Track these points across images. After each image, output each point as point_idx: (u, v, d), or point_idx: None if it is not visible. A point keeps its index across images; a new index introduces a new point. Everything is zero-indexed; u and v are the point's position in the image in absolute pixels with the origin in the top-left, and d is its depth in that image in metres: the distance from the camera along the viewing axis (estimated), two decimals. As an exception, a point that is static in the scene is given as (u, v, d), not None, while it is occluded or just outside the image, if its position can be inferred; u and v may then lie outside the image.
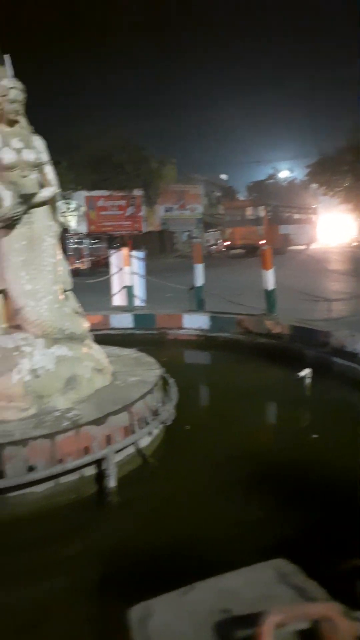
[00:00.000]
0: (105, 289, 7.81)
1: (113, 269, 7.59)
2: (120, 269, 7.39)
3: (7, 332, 3.13)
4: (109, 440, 2.83)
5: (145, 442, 3.12)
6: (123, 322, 7.02)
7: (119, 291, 7.54)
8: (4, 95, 2.91)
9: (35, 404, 2.91)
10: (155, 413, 3.22)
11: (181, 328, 6.38)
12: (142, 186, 27.83)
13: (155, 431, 3.24)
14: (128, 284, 7.32)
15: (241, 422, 3.66)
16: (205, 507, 2.60)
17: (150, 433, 3.15)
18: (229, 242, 25.16)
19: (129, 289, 7.34)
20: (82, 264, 22.48)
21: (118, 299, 7.59)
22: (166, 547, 2.28)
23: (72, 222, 25.68)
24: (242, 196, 39.05)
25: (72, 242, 23.01)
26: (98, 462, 2.76)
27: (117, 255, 7.55)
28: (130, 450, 2.99)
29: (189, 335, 6.29)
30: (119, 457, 2.84)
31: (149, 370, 3.68)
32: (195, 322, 6.30)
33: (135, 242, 20.83)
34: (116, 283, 7.62)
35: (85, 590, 2.08)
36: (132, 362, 3.98)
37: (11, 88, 2.91)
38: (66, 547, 2.43)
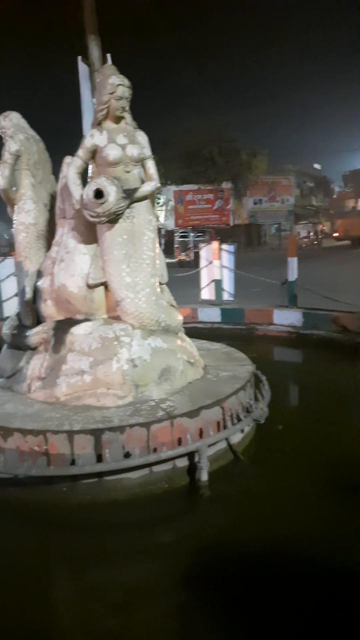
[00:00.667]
0: (194, 282, 7.87)
1: (202, 262, 7.61)
2: (210, 262, 7.38)
3: (107, 322, 3.26)
4: (201, 433, 2.84)
5: (236, 438, 3.09)
6: (211, 315, 7.03)
7: (208, 284, 7.55)
8: (112, 93, 3.01)
9: (131, 392, 3.01)
10: (248, 410, 3.17)
11: (271, 324, 6.23)
12: (232, 179, 27.56)
13: (247, 428, 3.20)
14: (217, 277, 7.30)
15: (338, 425, 3.48)
16: (299, 507, 2.51)
17: (242, 430, 3.11)
18: (337, 234, 24.51)
19: (217, 283, 7.32)
20: (187, 256, 23.63)
21: (206, 293, 7.61)
22: (258, 544, 2.25)
23: (160, 216, 26.26)
24: (337, 186, 37.05)
25: (179, 236, 24.62)
26: (190, 455, 2.79)
27: (207, 249, 7.55)
28: (222, 445, 2.98)
29: (280, 331, 6.12)
30: (210, 451, 2.84)
31: (240, 365, 3.64)
32: (286, 318, 6.11)
33: (222, 235, 20.85)
34: (205, 276, 7.64)
35: (174, 578, 2.12)
36: (223, 356, 3.95)
37: (119, 85, 3.00)
38: (158, 535, 2.49)
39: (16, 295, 7.08)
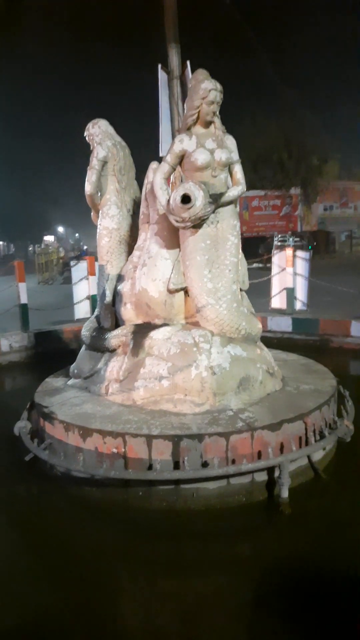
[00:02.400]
0: (264, 290, 7.70)
1: (274, 269, 7.42)
2: (283, 269, 7.19)
3: (186, 328, 3.24)
4: (282, 447, 2.72)
5: (318, 455, 2.93)
6: (281, 325, 6.83)
7: (279, 292, 7.35)
8: (205, 97, 2.99)
9: (209, 400, 2.95)
10: (331, 426, 3.00)
11: (348, 336, 5.92)
12: (301, 184, 26.86)
13: (329, 446, 3.03)
14: (290, 285, 7.09)
15: None
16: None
17: (323, 447, 2.94)
18: None
19: (289, 291, 7.11)
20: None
21: (277, 301, 7.41)
22: (337, 568, 2.10)
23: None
24: None
25: (278, 241, 25.07)
26: (270, 469, 2.68)
27: (280, 255, 7.35)
28: (303, 461, 2.83)
29: (358, 344, 5.80)
30: (290, 467, 2.71)
31: (322, 379, 3.46)
32: (366, 330, 5.78)
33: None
34: (276, 284, 7.45)
35: (247, 593, 2.06)
36: (302, 368, 3.79)
37: (212, 90, 2.97)
38: (234, 548, 2.42)
39: (87, 298, 7.37)
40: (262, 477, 2.70)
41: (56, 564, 2.27)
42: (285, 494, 2.59)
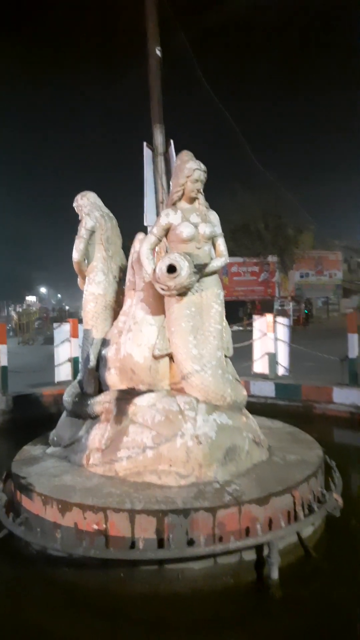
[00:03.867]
0: (246, 354, 7.75)
1: (256, 334, 7.53)
2: (264, 334, 7.30)
3: (171, 394, 3.20)
4: (270, 523, 2.61)
5: (307, 532, 2.82)
6: (264, 390, 6.82)
7: (261, 357, 7.41)
8: (189, 176, 3.19)
9: (194, 472, 2.86)
10: (320, 500, 2.92)
11: (331, 402, 5.93)
12: (278, 252, 28.08)
13: (317, 521, 2.92)
14: (271, 350, 7.17)
15: None
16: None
17: (312, 522, 2.84)
18: None
19: (271, 356, 7.18)
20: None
21: (259, 366, 7.45)
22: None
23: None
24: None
25: (278, 304, 25.71)
26: (259, 547, 2.55)
27: (261, 321, 7.50)
28: (292, 538, 2.71)
29: (340, 411, 5.80)
30: (279, 544, 2.59)
31: (308, 449, 3.41)
32: (348, 396, 5.81)
33: (266, 307, 20.81)
34: (258, 349, 7.53)
35: None
36: (288, 437, 3.75)
37: (196, 169, 3.18)
38: (221, 637, 2.22)
39: (69, 360, 7.28)
40: (251, 555, 2.56)
41: None
42: (275, 574, 2.45)
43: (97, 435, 3.25)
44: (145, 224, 5.61)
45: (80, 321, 5.46)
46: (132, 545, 2.50)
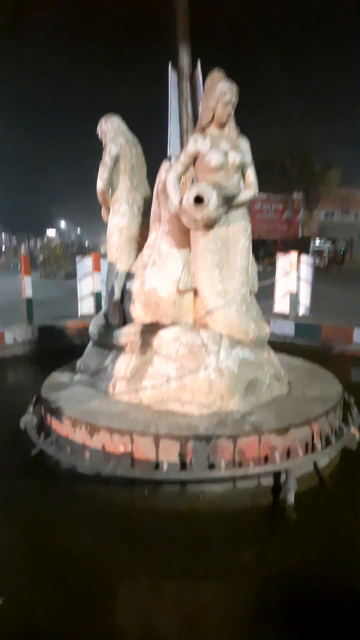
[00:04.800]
0: (266, 294, 7.69)
1: (279, 272, 7.43)
2: (287, 274, 7.19)
3: (195, 329, 3.23)
4: (289, 452, 2.72)
5: (322, 462, 2.93)
6: (284, 329, 6.83)
7: (282, 296, 7.36)
8: (220, 99, 2.99)
9: (216, 402, 2.95)
10: (337, 433, 3.00)
11: (350, 343, 5.93)
12: (303, 190, 26.92)
13: (333, 453, 3.03)
14: (293, 290, 7.10)
15: None
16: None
17: (329, 454, 2.94)
18: None
19: (293, 296, 7.12)
20: (321, 263, 23.24)
21: (280, 305, 7.42)
22: (340, 580, 2.09)
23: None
24: None
25: (315, 244, 25.01)
26: (276, 474, 2.68)
27: (284, 259, 7.36)
28: (308, 467, 2.83)
29: (360, 351, 5.81)
30: (297, 472, 2.71)
31: (328, 385, 3.47)
32: (369, 337, 5.79)
33: (292, 246, 20.35)
34: (280, 288, 7.45)
35: (249, 601, 2.05)
36: (307, 373, 3.79)
37: (228, 91, 2.97)
38: (238, 554, 2.39)
39: (92, 294, 7.35)
40: (269, 481, 2.70)
41: (55, 563, 2.24)
42: (291, 499, 2.59)
43: (122, 365, 3.35)
44: (168, 154, 5.38)
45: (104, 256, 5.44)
46: (156, 467, 2.65)
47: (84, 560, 2.28)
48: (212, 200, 2.90)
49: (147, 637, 1.88)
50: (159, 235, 3.42)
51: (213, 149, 3.05)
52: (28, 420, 3.28)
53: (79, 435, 2.87)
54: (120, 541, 2.46)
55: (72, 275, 14.27)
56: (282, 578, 2.14)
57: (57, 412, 3.04)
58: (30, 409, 3.43)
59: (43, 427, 3.24)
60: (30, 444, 3.13)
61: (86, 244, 27.04)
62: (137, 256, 3.66)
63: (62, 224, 42.77)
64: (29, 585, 2.10)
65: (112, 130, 3.66)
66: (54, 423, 3.08)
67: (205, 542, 2.43)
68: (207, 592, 2.14)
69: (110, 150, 3.58)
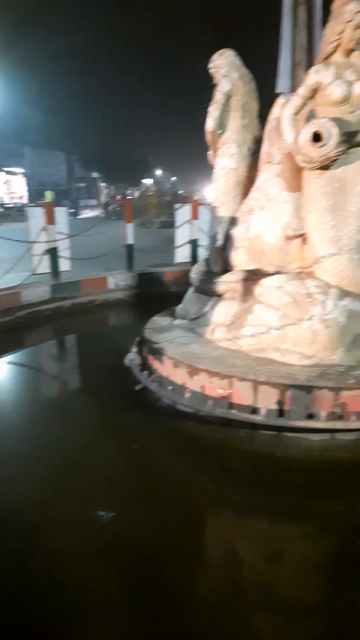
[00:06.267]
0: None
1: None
2: None
3: (301, 277, 3.11)
4: (395, 410, 2.59)
5: None
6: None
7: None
8: (349, 21, 2.67)
9: (319, 354, 2.86)
10: None
11: None
12: None
13: None
14: None
15: None
16: None
17: None
18: None
19: None
20: None
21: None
22: None
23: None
24: None
25: None
26: (380, 430, 2.58)
27: None
28: None
29: None
30: None
31: None
32: None
33: None
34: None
35: (335, 550, 2.03)
36: None
37: (358, 12, 2.64)
38: (330, 504, 2.36)
39: (188, 242, 7.37)
40: (370, 436, 2.61)
41: (154, 487, 2.39)
42: (394, 455, 2.49)
43: (223, 311, 3.36)
44: (276, 90, 5.00)
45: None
46: (253, 411, 2.69)
47: (175, 491, 2.40)
48: (333, 137, 2.67)
49: (228, 570, 1.94)
50: (268, 177, 3.26)
51: (336, 81, 2.78)
52: (132, 358, 3.47)
53: (179, 376, 2.98)
54: (212, 476, 2.55)
55: (167, 224, 14.40)
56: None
57: (159, 353, 3.18)
58: (134, 349, 3.62)
59: (145, 366, 3.42)
60: (133, 380, 3.33)
61: (180, 192, 26.93)
62: (243, 201, 3.55)
63: (158, 172, 42.87)
64: (131, 505, 2.29)
65: (225, 66, 3.47)
66: (156, 364, 3.23)
67: (297, 487, 2.43)
68: (294, 534, 2.16)
69: (223, 87, 3.42)
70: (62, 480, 2.40)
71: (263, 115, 3.51)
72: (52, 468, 2.50)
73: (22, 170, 32.28)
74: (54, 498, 2.27)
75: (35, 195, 27.73)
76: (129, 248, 6.62)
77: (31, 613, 1.66)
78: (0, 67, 20.73)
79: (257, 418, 2.65)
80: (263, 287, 3.14)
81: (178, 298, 4.08)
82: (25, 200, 28.66)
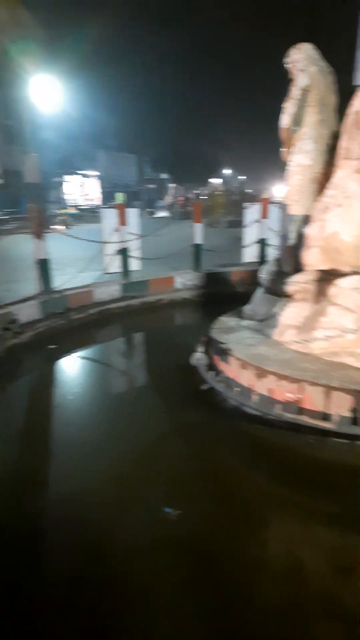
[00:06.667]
0: None
1: None
2: None
3: (380, 278, 2.93)
4: None
5: None
6: None
7: None
8: None
9: None
10: None
11: None
12: None
13: None
14: None
15: None
16: None
17: None
18: None
19: None
20: None
21: None
22: None
23: None
24: None
25: None
26: None
27: None
28: None
29: None
30: None
31: None
32: None
33: None
34: None
35: None
36: None
37: None
38: None
39: (257, 242, 7.24)
40: None
41: (216, 492, 2.36)
42: None
43: (293, 313, 3.26)
44: (354, 82, 4.76)
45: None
46: (324, 417, 2.58)
47: (245, 490, 2.37)
48: None
49: (294, 574, 1.88)
50: (346, 173, 3.11)
51: None
52: (199, 358, 3.47)
53: (247, 377, 2.93)
54: (282, 481, 2.48)
55: (235, 223, 14.25)
56: None
57: (226, 353, 3.15)
58: (200, 348, 3.62)
59: (212, 366, 3.40)
60: (200, 380, 3.33)
61: (247, 192, 26.57)
62: (318, 199, 3.42)
63: (226, 172, 42.66)
64: (197, 504, 2.29)
65: (303, 60, 3.36)
66: (222, 364, 3.20)
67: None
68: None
69: (300, 82, 3.31)
70: (130, 476, 2.46)
71: (341, 109, 3.35)
72: (121, 463, 2.57)
73: (96, 172, 33.58)
74: (122, 492, 2.33)
75: (108, 197, 28.77)
76: (197, 248, 6.63)
77: (100, 601, 1.72)
78: (78, 74, 21.72)
79: (329, 425, 2.54)
80: (338, 288, 3.01)
81: (245, 298, 4.02)
82: (98, 202, 29.82)
